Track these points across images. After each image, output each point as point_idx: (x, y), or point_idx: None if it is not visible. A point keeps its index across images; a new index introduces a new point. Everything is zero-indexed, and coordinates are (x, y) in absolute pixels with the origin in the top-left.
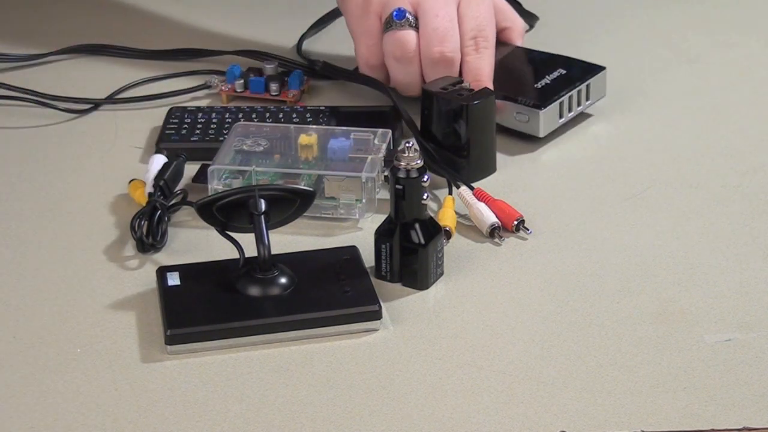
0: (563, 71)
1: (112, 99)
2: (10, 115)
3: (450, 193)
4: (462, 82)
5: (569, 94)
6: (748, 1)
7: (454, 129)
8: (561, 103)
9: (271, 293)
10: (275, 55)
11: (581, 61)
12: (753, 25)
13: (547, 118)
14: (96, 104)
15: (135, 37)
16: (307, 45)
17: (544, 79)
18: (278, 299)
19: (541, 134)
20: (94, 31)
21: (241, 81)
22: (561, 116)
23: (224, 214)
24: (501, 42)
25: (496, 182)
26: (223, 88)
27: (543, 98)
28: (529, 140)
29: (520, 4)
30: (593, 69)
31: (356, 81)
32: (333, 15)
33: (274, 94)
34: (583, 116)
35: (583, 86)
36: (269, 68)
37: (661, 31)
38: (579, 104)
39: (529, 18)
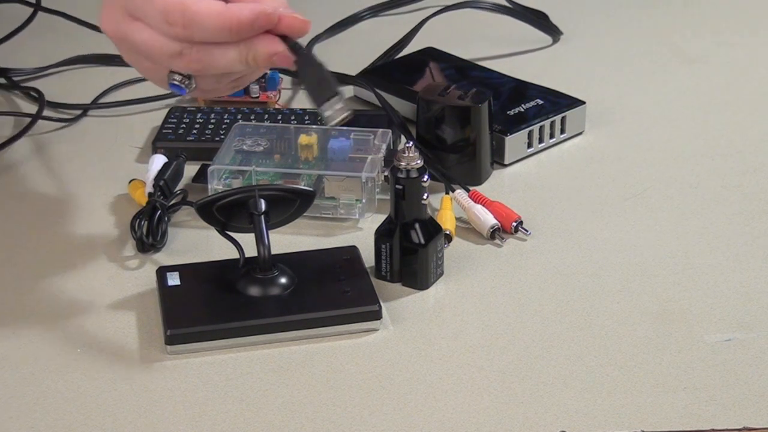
0: (540, 101)
1: (109, 103)
2: (9, 124)
3: (447, 194)
4: (453, 86)
5: (540, 124)
6: (748, 1)
7: (454, 132)
8: (530, 132)
9: (271, 293)
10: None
11: (562, 93)
12: (753, 25)
13: (513, 145)
14: (96, 103)
15: None
16: (316, 49)
17: (518, 107)
18: (278, 299)
19: (506, 161)
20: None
21: None
22: (530, 146)
23: (224, 214)
24: (485, 69)
25: (492, 184)
26: None
27: (511, 125)
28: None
29: (546, 18)
30: (572, 102)
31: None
32: (348, 21)
33: (254, 96)
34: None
35: (557, 118)
36: None
37: (661, 31)
38: (552, 136)
39: (553, 32)
